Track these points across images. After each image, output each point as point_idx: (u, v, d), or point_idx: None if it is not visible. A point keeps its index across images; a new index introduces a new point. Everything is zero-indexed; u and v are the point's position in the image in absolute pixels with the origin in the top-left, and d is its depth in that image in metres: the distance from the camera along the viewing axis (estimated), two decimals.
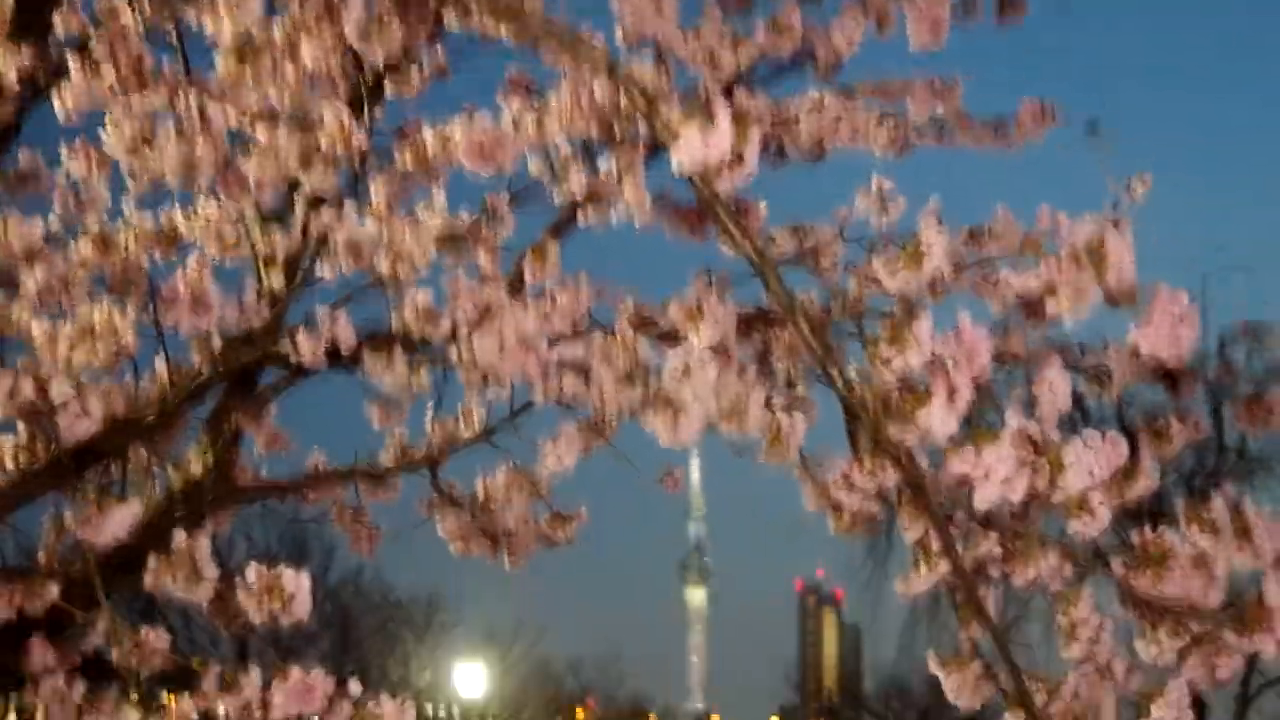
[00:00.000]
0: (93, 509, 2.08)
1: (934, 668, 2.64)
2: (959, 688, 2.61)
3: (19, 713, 2.00)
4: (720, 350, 2.53)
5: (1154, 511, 2.32)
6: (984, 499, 2.08)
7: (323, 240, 3.23)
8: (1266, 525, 2.23)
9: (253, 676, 2.04)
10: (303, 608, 2.14)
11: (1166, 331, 2.04)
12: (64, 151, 3.23)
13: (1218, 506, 2.26)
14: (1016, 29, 3.32)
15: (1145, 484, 2.26)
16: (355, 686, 2.08)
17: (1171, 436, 3.04)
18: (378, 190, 3.41)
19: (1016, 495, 2.07)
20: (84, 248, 3.20)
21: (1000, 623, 2.55)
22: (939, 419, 2.06)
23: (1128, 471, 2.26)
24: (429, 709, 34.36)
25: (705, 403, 2.44)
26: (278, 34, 3.12)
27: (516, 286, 3.08)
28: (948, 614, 2.68)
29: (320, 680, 2.05)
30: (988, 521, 2.34)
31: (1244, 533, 2.24)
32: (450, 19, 3.26)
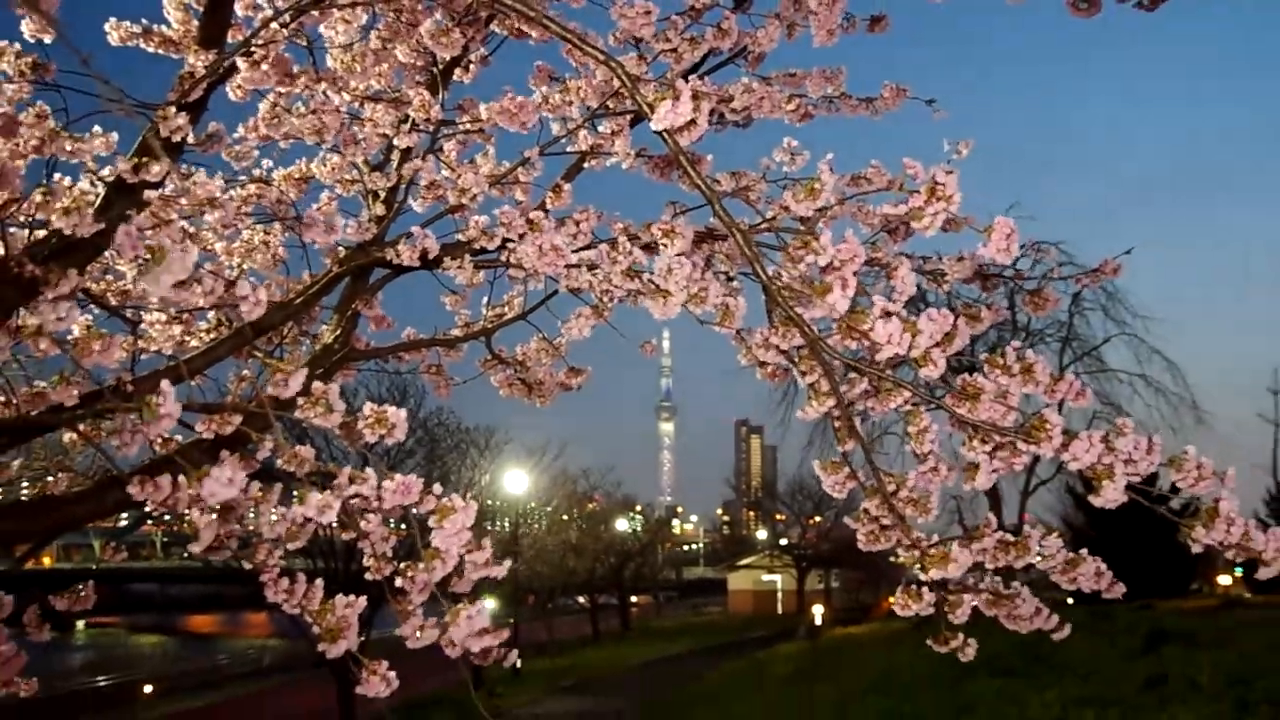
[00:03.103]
0: (276, 371, 2.11)
1: (817, 470, 2.68)
2: (834, 484, 2.66)
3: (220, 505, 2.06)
4: (685, 255, 2.53)
5: (971, 366, 2.36)
6: (884, 355, 2.11)
7: (411, 181, 3.20)
8: (1042, 365, 2.28)
9: (370, 479, 2.06)
10: (402, 433, 2.16)
11: (1003, 245, 2.07)
12: (241, 126, 3.19)
13: (1009, 354, 2.30)
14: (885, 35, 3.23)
15: (959, 343, 2.28)
16: (438, 488, 2.12)
17: (982, 318, 3.06)
18: (448, 146, 3.38)
19: (902, 350, 2.09)
20: (248, 188, 3.18)
21: (867, 439, 2.58)
22: (838, 299, 2.08)
23: (949, 336, 2.29)
24: (488, 503, 34.90)
25: (682, 290, 2.46)
26: (375, 39, 3.06)
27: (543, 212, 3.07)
28: (833, 435, 2.70)
29: (414, 482, 2.08)
30: (858, 369, 2.36)
31: (1028, 370, 2.28)
32: (495, 26, 3.19)
